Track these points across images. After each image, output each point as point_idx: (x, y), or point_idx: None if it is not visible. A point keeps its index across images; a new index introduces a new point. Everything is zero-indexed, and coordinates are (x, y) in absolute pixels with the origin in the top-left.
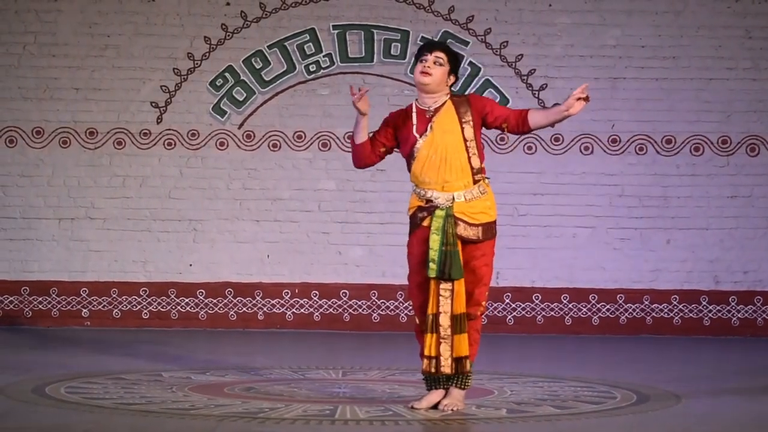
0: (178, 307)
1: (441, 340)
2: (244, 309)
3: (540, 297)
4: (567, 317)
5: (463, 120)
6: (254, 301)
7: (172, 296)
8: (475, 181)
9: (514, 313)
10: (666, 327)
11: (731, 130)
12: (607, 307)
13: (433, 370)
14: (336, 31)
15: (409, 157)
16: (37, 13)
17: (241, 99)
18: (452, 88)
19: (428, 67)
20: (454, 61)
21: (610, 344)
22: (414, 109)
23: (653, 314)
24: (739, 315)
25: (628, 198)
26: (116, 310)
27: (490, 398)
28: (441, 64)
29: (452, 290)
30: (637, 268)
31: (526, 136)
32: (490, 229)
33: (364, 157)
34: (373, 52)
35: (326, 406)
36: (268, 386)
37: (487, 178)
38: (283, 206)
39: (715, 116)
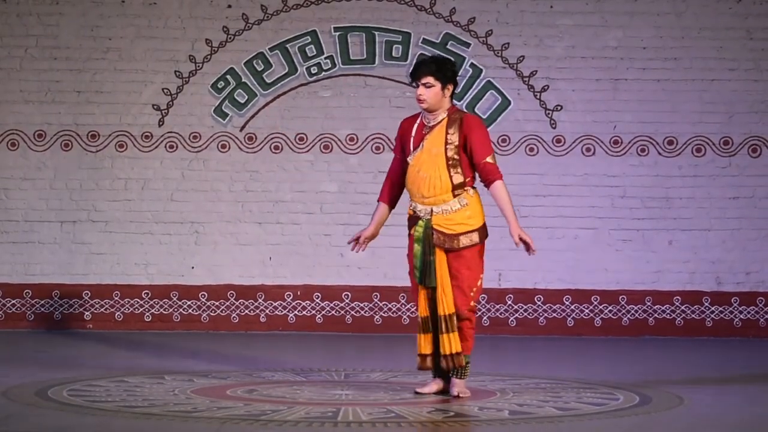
0: (180, 310)
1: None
2: (246, 311)
3: (542, 298)
4: (569, 319)
5: (449, 141)
6: (256, 304)
7: (174, 299)
8: (455, 195)
9: (516, 315)
10: (668, 328)
11: (733, 131)
12: (610, 308)
13: (423, 366)
14: (337, 33)
15: (405, 168)
16: (38, 16)
17: (242, 101)
18: (452, 99)
19: (420, 95)
20: (445, 73)
21: (613, 345)
22: (418, 122)
23: (655, 315)
24: (741, 316)
25: (630, 199)
26: (118, 312)
27: (492, 400)
28: (431, 86)
29: (434, 295)
30: (639, 270)
31: (528, 137)
32: (470, 238)
33: (399, 177)
34: (375, 54)
35: (329, 409)
36: (271, 389)
37: (473, 188)
38: (284, 208)
39: (717, 117)
